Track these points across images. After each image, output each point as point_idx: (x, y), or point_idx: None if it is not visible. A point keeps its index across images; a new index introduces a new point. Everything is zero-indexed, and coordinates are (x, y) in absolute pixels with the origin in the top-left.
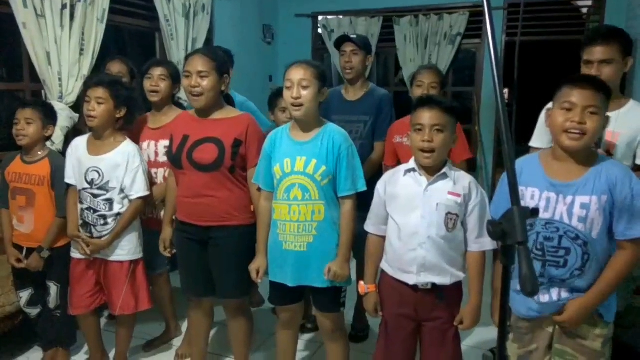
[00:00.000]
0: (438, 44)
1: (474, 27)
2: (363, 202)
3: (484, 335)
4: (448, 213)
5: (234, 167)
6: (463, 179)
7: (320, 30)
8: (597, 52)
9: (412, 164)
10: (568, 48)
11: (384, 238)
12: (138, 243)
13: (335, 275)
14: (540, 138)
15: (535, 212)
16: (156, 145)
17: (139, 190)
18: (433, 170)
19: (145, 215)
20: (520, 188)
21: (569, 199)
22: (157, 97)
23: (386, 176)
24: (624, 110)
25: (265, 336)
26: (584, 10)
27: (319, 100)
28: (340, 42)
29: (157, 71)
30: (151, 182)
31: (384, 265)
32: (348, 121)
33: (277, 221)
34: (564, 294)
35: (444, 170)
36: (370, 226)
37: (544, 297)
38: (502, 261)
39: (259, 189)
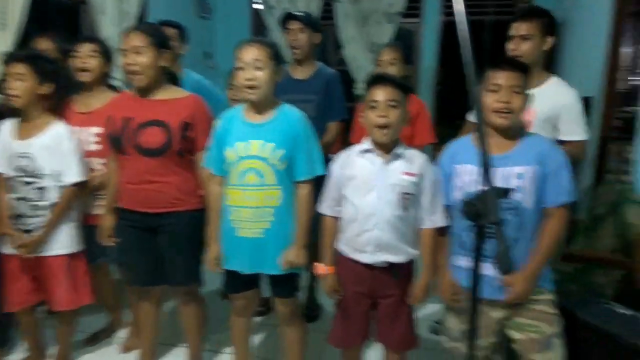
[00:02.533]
0: (378, 22)
1: (413, 7)
2: (317, 183)
3: (431, 307)
4: (403, 193)
5: (182, 151)
6: (417, 158)
7: (259, 6)
8: (517, 28)
9: (366, 144)
10: (501, 28)
11: (339, 219)
12: (75, 234)
13: (291, 264)
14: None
15: (507, 192)
16: (84, 132)
17: (74, 174)
18: (387, 151)
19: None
20: (457, 166)
21: (505, 170)
22: (87, 76)
23: (341, 157)
24: (544, 87)
25: (218, 322)
26: None
27: (275, 81)
28: (286, 19)
29: (86, 48)
30: None
31: (340, 246)
32: (297, 100)
33: (230, 207)
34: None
35: (398, 150)
36: (325, 208)
37: (487, 270)
38: (475, 241)
39: (210, 174)
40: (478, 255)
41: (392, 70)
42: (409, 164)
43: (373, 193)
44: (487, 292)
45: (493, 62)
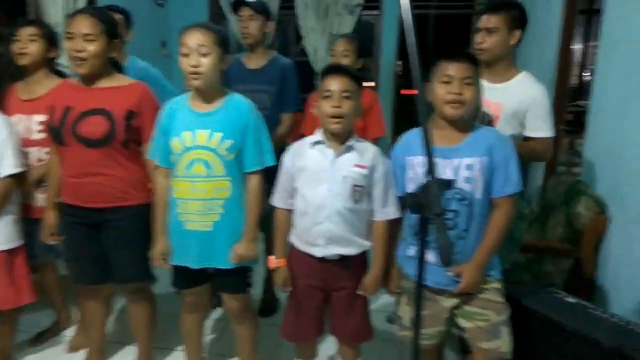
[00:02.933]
0: (339, 13)
1: None
2: (270, 174)
3: (387, 298)
4: (354, 185)
5: (128, 142)
6: (368, 151)
7: None
8: (484, 21)
9: (318, 135)
10: (459, 22)
11: (292, 211)
12: (14, 229)
13: (241, 257)
14: None
15: (450, 183)
16: (28, 120)
17: (9, 166)
18: (339, 142)
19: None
20: (409, 158)
21: (455, 161)
22: (26, 60)
23: (293, 148)
24: (513, 82)
25: (171, 317)
26: None
27: (221, 68)
28: (237, 6)
29: (26, 31)
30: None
31: (292, 239)
32: (250, 91)
33: (177, 200)
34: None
35: (350, 143)
36: (277, 200)
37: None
38: (419, 233)
39: (156, 166)
40: (423, 246)
41: (346, 62)
42: (361, 156)
43: (324, 185)
44: (438, 282)
45: (445, 54)
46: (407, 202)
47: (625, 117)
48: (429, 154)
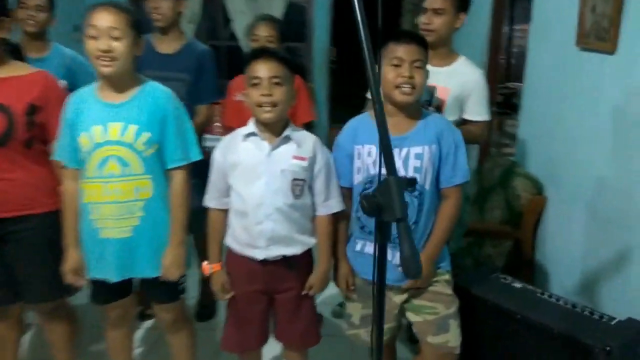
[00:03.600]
0: None
1: None
2: (197, 169)
3: (331, 290)
4: (294, 179)
5: (31, 141)
6: (307, 141)
7: None
8: (432, 1)
9: (251, 127)
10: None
11: (226, 212)
12: None
13: (170, 270)
14: None
15: (412, 182)
16: None
17: None
18: (275, 133)
19: None
20: (357, 147)
21: (404, 151)
22: None
23: (223, 142)
24: (454, 66)
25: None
26: None
27: (135, 53)
28: None
29: None
30: None
31: (229, 241)
32: (163, 78)
33: (89, 204)
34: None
35: (286, 133)
36: (210, 200)
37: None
38: (378, 239)
39: (63, 167)
40: (382, 252)
41: None
42: (299, 147)
43: (261, 181)
44: (389, 278)
45: (393, 35)
46: (360, 203)
47: (558, 99)
48: (387, 146)
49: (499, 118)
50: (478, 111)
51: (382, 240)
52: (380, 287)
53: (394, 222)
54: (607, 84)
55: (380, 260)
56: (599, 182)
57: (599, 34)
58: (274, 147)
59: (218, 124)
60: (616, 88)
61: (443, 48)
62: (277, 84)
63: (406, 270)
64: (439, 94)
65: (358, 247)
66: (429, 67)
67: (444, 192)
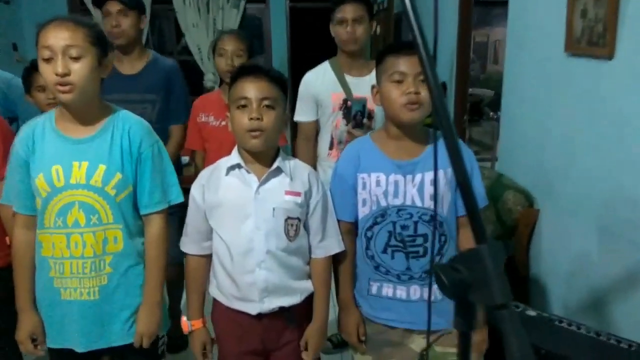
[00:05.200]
0: (222, 7)
1: None
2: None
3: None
4: (288, 218)
5: None
6: (301, 172)
7: None
8: (350, 10)
9: (235, 157)
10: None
11: (207, 257)
12: None
13: (147, 336)
14: (305, 111)
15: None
16: None
17: None
18: (264, 164)
19: None
20: (362, 175)
21: (418, 177)
22: None
23: (202, 177)
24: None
25: None
26: None
27: (100, 76)
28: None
29: None
30: None
31: (214, 293)
32: (129, 102)
33: (47, 259)
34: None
35: (277, 164)
36: (188, 244)
37: (415, 293)
38: (459, 325)
39: (14, 213)
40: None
41: (238, 64)
42: (292, 181)
43: (249, 222)
44: (406, 321)
45: (391, 48)
46: (438, 278)
47: (544, 107)
48: (466, 185)
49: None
50: None
51: (466, 327)
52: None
53: (492, 308)
54: (606, 90)
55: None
56: (602, 193)
57: (591, 39)
58: (263, 182)
59: None
60: (617, 94)
61: (362, 57)
62: (268, 106)
63: None
64: (369, 104)
65: (374, 290)
66: (349, 78)
67: (462, 221)
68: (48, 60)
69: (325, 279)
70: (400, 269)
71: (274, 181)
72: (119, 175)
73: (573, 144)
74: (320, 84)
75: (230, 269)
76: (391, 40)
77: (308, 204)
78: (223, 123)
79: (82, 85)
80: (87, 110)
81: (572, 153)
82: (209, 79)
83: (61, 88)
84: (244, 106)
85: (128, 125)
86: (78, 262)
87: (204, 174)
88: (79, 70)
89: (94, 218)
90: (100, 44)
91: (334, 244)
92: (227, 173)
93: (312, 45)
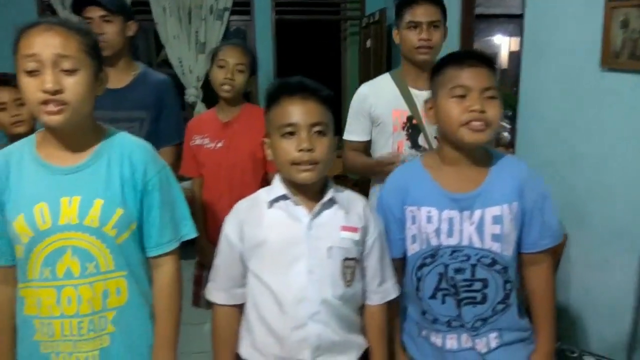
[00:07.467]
0: (204, 19)
1: (242, 2)
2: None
3: None
4: (345, 259)
5: None
6: (356, 204)
7: None
8: (425, 13)
9: (278, 188)
10: (324, 28)
11: (239, 308)
12: None
13: None
14: (357, 130)
15: None
16: None
17: None
18: (313, 195)
19: None
20: (410, 208)
21: (477, 213)
22: None
23: (240, 211)
24: None
25: None
26: None
27: (96, 93)
28: (81, 5)
29: None
30: None
31: (247, 353)
32: (115, 120)
33: (31, 320)
34: (493, 342)
35: (330, 194)
36: (217, 292)
37: (467, 342)
38: None
39: None
40: None
41: (240, 80)
42: (347, 213)
43: (301, 265)
44: None
45: (453, 58)
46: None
47: (569, 124)
48: None
49: None
50: None
51: None
52: None
53: None
54: None
55: None
56: None
57: (635, 52)
58: (315, 215)
59: None
60: None
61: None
62: (319, 132)
63: None
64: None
65: (423, 333)
66: (414, 91)
67: (533, 259)
68: (32, 72)
69: (384, 331)
70: (451, 315)
71: (327, 214)
72: (119, 211)
73: (608, 165)
74: (378, 97)
75: (274, 323)
76: (383, 54)
77: (364, 242)
78: (219, 145)
79: (76, 105)
80: (78, 134)
81: (608, 175)
82: (191, 93)
83: (49, 108)
84: (290, 133)
85: (128, 149)
86: (72, 321)
87: (240, 207)
88: (73, 86)
89: (91, 266)
90: (97, 54)
91: (392, 288)
92: (271, 206)
93: (299, 59)
